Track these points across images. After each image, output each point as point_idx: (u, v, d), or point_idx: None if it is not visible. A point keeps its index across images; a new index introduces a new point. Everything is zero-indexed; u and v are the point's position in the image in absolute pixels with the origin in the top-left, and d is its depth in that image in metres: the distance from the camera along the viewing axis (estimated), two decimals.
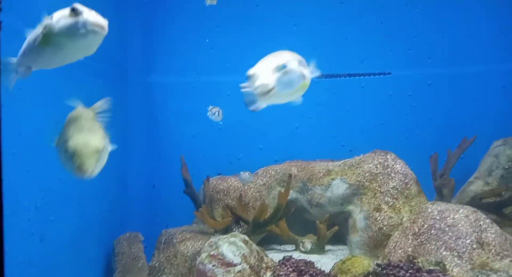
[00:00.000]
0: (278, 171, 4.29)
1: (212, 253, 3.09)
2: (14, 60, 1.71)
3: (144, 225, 4.31)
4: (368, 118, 4.53)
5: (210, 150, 4.56)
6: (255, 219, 3.57)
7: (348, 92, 4.53)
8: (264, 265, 3.24)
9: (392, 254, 3.35)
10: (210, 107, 3.90)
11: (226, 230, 3.81)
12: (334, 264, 3.38)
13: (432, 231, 3.20)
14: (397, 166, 3.90)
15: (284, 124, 4.59)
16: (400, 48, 4.42)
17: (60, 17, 1.47)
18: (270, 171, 4.31)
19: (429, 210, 3.36)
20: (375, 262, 3.17)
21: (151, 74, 4.59)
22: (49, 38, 1.49)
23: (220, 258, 3.06)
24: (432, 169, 3.99)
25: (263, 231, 3.80)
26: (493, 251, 3.00)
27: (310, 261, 3.26)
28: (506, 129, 4.16)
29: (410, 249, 3.26)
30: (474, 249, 3.00)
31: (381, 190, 3.84)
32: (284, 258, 3.23)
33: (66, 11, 1.47)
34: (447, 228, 3.15)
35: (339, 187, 4.02)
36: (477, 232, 3.08)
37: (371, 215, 3.77)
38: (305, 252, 3.96)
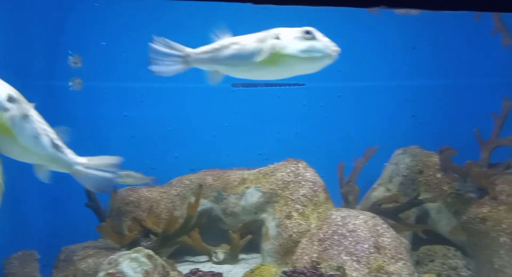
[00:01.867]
0: (193, 180, 4.21)
1: (110, 271, 2.90)
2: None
3: (43, 242, 3.94)
4: (284, 127, 4.65)
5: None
6: (164, 232, 3.44)
7: (264, 102, 4.61)
8: None
9: (299, 261, 3.43)
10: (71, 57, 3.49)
11: (133, 245, 3.61)
12: (244, 274, 3.39)
13: (335, 237, 3.35)
14: (307, 174, 4.04)
15: (201, 133, 4.52)
16: None
17: (291, 40, 1.43)
18: (184, 180, 4.21)
19: (333, 216, 3.52)
20: (282, 269, 3.23)
21: (54, 78, 4.24)
22: (276, 59, 1.46)
23: (119, 276, 2.89)
24: (339, 176, 4.20)
25: (173, 243, 3.67)
26: (388, 254, 3.22)
27: (218, 272, 3.23)
28: (407, 138, 4.54)
29: (315, 255, 3.38)
30: (372, 253, 3.20)
31: (292, 198, 3.94)
32: (190, 271, 3.15)
33: (296, 33, 1.44)
34: (348, 234, 3.32)
35: (253, 196, 4.05)
36: (375, 237, 3.29)
37: (282, 222, 3.84)
38: (218, 263, 3.91)
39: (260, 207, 4.03)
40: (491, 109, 4.06)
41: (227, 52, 1.85)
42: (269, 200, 4.02)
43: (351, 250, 3.22)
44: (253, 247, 4.15)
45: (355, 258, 3.17)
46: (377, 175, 4.48)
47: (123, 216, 3.96)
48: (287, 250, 3.76)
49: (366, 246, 3.22)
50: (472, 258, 3.70)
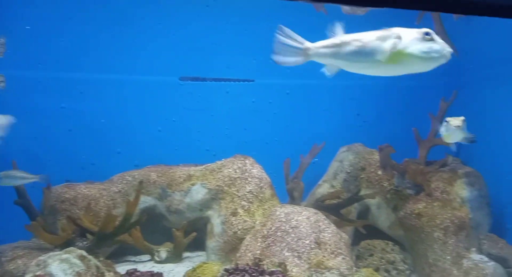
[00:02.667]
0: (136, 177, 4.04)
1: (38, 273, 2.71)
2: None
3: None
4: (232, 123, 4.60)
5: (57, 153, 4.06)
6: (100, 231, 3.27)
7: (213, 97, 4.53)
8: None
9: (242, 258, 3.41)
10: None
11: (68, 245, 3.40)
12: (185, 272, 3.31)
13: (278, 233, 3.36)
14: (254, 170, 4.02)
15: (146, 127, 4.36)
16: (262, 57, 4.59)
17: (412, 40, 1.63)
18: (126, 177, 4.03)
19: (277, 213, 3.52)
20: (224, 267, 3.18)
21: None
22: (397, 57, 1.63)
23: None
24: (285, 173, 4.22)
25: (112, 243, 3.51)
26: (328, 250, 3.27)
27: (158, 272, 3.12)
28: (352, 136, 4.65)
29: (258, 251, 3.36)
30: (312, 248, 3.24)
31: (239, 195, 3.91)
32: (127, 272, 3.02)
33: (416, 34, 1.62)
34: (290, 230, 3.34)
35: (198, 192, 3.97)
36: (316, 233, 3.34)
37: (227, 219, 3.80)
38: (160, 262, 3.80)
39: (205, 204, 3.96)
40: (430, 109, 4.26)
41: (348, 48, 1.91)
42: (215, 197, 3.96)
43: (293, 246, 3.24)
44: (198, 245, 4.08)
45: (296, 254, 3.19)
46: (324, 172, 4.56)
47: (58, 214, 3.72)
48: (231, 247, 3.72)
49: (307, 242, 3.26)
50: (409, 252, 3.87)
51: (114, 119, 4.23)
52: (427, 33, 1.75)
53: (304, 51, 2.01)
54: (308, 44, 1.99)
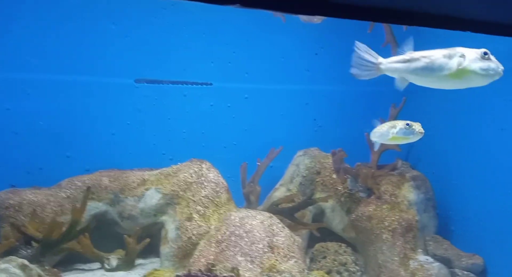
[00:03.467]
0: (87, 182, 3.89)
1: None
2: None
3: None
4: (190, 127, 4.55)
5: (1, 157, 3.84)
6: (45, 238, 3.12)
7: (170, 100, 4.46)
8: None
9: (196, 263, 3.37)
10: None
11: (10, 254, 3.22)
12: None
13: (232, 238, 3.35)
14: (210, 175, 3.99)
15: (98, 130, 4.21)
16: (221, 61, 4.59)
17: (473, 59, 1.90)
18: (76, 182, 3.87)
19: (232, 217, 3.52)
20: (176, 274, 3.13)
21: None
22: (461, 73, 1.91)
23: None
24: (242, 177, 4.23)
25: (58, 250, 3.36)
26: (281, 253, 3.31)
27: None
28: (308, 140, 4.74)
29: (212, 257, 3.35)
30: (265, 252, 3.26)
31: (194, 199, 3.87)
32: None
33: (476, 54, 1.90)
34: (244, 234, 3.35)
35: (152, 197, 3.89)
36: (270, 237, 3.37)
37: (182, 224, 3.74)
38: (110, 270, 3.68)
39: (160, 209, 3.88)
40: (382, 115, 4.42)
41: (418, 64, 2.14)
42: (170, 202, 3.89)
43: (246, 250, 3.25)
44: (152, 251, 3.99)
45: (249, 259, 3.20)
46: (280, 176, 4.61)
47: (1, 221, 3.51)
48: (186, 253, 3.67)
49: (260, 246, 3.28)
50: (361, 254, 3.99)
51: (64, 121, 4.06)
52: (485, 53, 1.99)
53: (377, 66, 2.20)
54: (381, 59, 2.20)
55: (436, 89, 4.53)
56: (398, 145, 4.29)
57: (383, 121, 4.36)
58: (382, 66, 2.17)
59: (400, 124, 2.91)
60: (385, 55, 3.79)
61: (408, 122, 2.88)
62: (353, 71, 2.23)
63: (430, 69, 2.08)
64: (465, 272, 3.38)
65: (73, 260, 3.80)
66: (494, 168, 3.64)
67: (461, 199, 3.84)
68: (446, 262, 3.49)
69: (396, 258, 3.51)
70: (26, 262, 2.80)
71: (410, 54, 2.18)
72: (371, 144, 4.35)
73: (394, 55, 4.44)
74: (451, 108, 4.31)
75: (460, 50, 2.05)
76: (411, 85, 4.93)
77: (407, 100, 4.34)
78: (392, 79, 5.00)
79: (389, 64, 2.19)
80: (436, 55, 2.09)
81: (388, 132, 2.89)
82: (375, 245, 3.71)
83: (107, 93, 4.22)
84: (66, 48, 4.04)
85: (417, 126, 2.84)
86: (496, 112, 3.74)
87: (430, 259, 3.44)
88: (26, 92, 3.92)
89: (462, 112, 4.19)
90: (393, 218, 3.64)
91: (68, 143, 4.08)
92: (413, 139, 2.87)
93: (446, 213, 3.94)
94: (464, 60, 1.98)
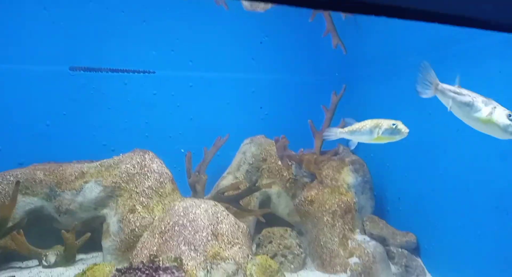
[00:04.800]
0: (19, 176, 3.67)
1: None
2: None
3: None
4: (132, 117, 4.41)
5: None
6: None
7: (109, 89, 4.29)
8: None
9: (139, 256, 3.31)
10: None
11: None
12: (74, 276, 3.11)
13: (176, 228, 3.32)
14: (153, 165, 3.91)
15: (31, 122, 3.97)
16: (163, 48, 4.47)
17: (501, 117, 2.26)
18: (8, 176, 3.63)
19: (176, 207, 3.49)
20: (116, 267, 3.06)
21: None
22: (488, 121, 2.31)
23: None
24: (187, 167, 4.19)
25: None
26: (225, 240, 3.33)
27: None
28: (255, 128, 4.78)
29: (155, 248, 3.30)
30: (209, 240, 3.27)
31: (137, 191, 3.78)
32: None
33: (504, 111, 2.27)
34: (188, 224, 3.33)
35: (92, 190, 3.74)
36: (214, 225, 3.37)
37: (125, 217, 3.65)
38: (49, 266, 3.52)
39: (101, 203, 3.75)
40: (324, 102, 4.55)
41: (463, 98, 2.43)
42: (112, 194, 3.77)
43: (190, 239, 3.24)
44: (95, 245, 3.86)
45: (192, 247, 3.20)
46: (227, 164, 4.62)
47: None
48: (128, 246, 3.59)
49: (204, 234, 3.28)
50: (305, 237, 4.13)
51: None
52: (510, 115, 2.32)
53: (434, 86, 2.47)
54: (438, 81, 2.48)
55: (372, 76, 4.70)
56: None
57: (325, 108, 4.50)
58: (438, 87, 2.46)
59: (385, 124, 2.82)
60: (328, 43, 3.85)
61: (393, 121, 2.87)
62: (418, 88, 2.54)
63: (469, 107, 2.42)
64: (400, 249, 3.61)
65: (9, 258, 3.60)
66: (425, 151, 3.88)
67: (396, 181, 4.08)
68: (381, 240, 3.71)
69: (336, 239, 3.67)
70: None
71: (460, 90, 2.52)
72: (314, 130, 4.48)
73: (334, 44, 4.55)
74: (387, 95, 4.52)
75: (495, 103, 2.43)
76: (350, 72, 5.10)
77: (346, 88, 4.49)
78: (334, 68, 5.12)
79: (444, 89, 2.49)
80: (478, 99, 2.46)
81: (372, 132, 2.85)
82: (317, 228, 3.85)
83: (40, 82, 3.97)
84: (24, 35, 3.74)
85: (402, 126, 2.85)
86: (425, 98, 3.97)
87: (367, 238, 3.63)
88: None
89: (396, 100, 4.42)
90: (333, 201, 3.79)
91: None
92: (397, 138, 2.87)
93: (382, 194, 4.17)
94: (494, 112, 2.32)
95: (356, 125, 3.03)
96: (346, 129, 2.98)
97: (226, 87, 4.78)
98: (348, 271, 3.40)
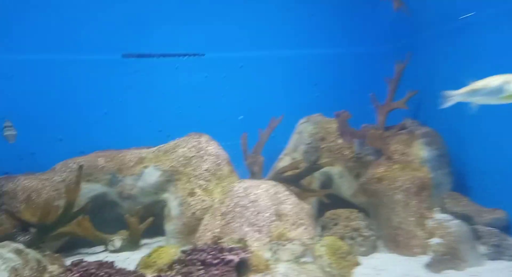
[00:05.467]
0: (82, 163, 3.73)
1: None
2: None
3: None
4: (185, 101, 4.34)
5: None
6: (40, 222, 2.97)
7: (162, 74, 4.25)
8: (47, 276, 2.71)
9: (202, 238, 3.22)
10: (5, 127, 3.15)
11: (6, 240, 3.09)
12: (141, 258, 3.09)
13: (237, 209, 3.19)
14: (210, 148, 3.82)
15: (89, 110, 4.02)
16: (212, 30, 4.34)
17: None
18: (70, 164, 3.72)
19: (236, 188, 3.35)
20: (181, 249, 2.99)
21: None
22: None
23: None
24: (243, 148, 4.04)
25: (57, 235, 3.22)
26: (289, 221, 3.14)
27: (107, 261, 2.87)
28: (310, 107, 4.52)
29: (218, 230, 3.19)
30: (273, 221, 3.09)
31: (195, 174, 3.70)
32: (72, 263, 2.76)
33: None
34: (249, 204, 3.18)
35: (151, 175, 3.72)
36: (276, 205, 3.19)
37: (185, 200, 3.59)
38: (115, 251, 3.55)
39: (160, 187, 3.72)
40: (385, 74, 4.18)
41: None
42: (170, 178, 3.73)
43: (253, 220, 3.09)
44: (157, 230, 3.85)
45: (256, 228, 3.04)
46: (284, 145, 4.41)
47: None
48: (191, 229, 3.52)
49: (267, 215, 3.11)
50: (373, 218, 3.82)
51: (53, 103, 3.87)
52: None
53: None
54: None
55: (440, 40, 4.23)
56: (405, 103, 4.06)
57: (388, 79, 4.13)
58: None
59: None
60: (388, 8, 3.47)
61: None
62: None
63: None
64: (487, 228, 3.19)
65: (76, 245, 3.68)
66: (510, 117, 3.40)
67: (477, 154, 3.62)
68: (466, 218, 3.30)
69: (411, 219, 3.33)
70: (21, 246, 2.66)
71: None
72: (377, 104, 4.13)
73: (395, 8, 4.12)
74: (458, 58, 4.03)
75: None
76: (415, 38, 4.64)
77: (412, 55, 4.08)
78: (395, 35, 4.69)
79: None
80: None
81: (503, 89, 2.52)
82: (388, 207, 3.53)
83: (95, 71, 4.02)
84: (49, 25, 3.82)
85: None
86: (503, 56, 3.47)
87: (449, 217, 3.25)
88: (10, 74, 3.72)
89: (473, 63, 3.93)
90: (405, 178, 3.44)
91: (59, 126, 3.91)
92: None
93: (462, 169, 3.73)
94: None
95: (478, 84, 2.69)
96: (464, 89, 2.70)
97: (278, 65, 4.56)
98: (429, 252, 3.06)
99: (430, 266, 2.99)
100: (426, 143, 3.58)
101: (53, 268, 2.72)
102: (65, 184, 3.59)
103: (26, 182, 3.51)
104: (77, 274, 2.57)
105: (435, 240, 3.12)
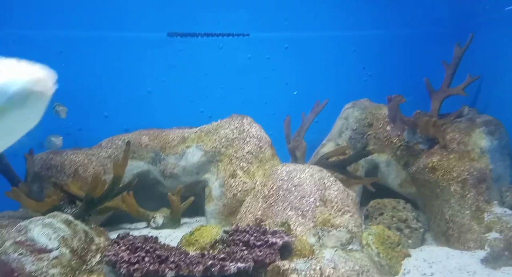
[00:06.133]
0: (127, 140, 3.77)
1: (19, 239, 2.49)
2: None
3: None
4: (228, 82, 4.27)
5: (41, 120, 3.78)
6: (87, 195, 3.02)
7: (206, 54, 4.19)
8: (94, 247, 2.76)
9: (243, 220, 3.17)
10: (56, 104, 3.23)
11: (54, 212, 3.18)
12: (183, 236, 3.08)
13: (280, 192, 3.10)
14: (252, 130, 3.73)
15: (134, 89, 4.05)
16: (257, 9, 4.21)
17: None
18: (116, 141, 3.76)
19: (279, 171, 3.25)
20: (223, 229, 2.95)
21: None
22: None
23: (30, 244, 2.48)
24: (286, 132, 3.93)
25: (103, 209, 3.28)
26: (335, 207, 3.01)
27: (152, 236, 2.88)
28: (357, 91, 4.32)
29: (259, 212, 3.12)
30: (317, 206, 2.98)
31: (237, 156, 3.64)
32: (118, 236, 2.79)
33: None
34: (293, 188, 3.08)
35: (194, 155, 3.70)
36: (321, 190, 3.07)
37: (226, 182, 3.55)
38: (156, 228, 3.57)
39: (202, 167, 3.70)
40: (443, 57, 3.89)
41: None
42: (212, 159, 3.69)
43: (296, 204, 2.98)
44: (197, 210, 3.85)
45: (300, 213, 2.94)
46: (327, 131, 4.25)
47: (44, 182, 3.48)
48: (231, 210, 3.48)
49: (311, 199, 3.00)
50: (422, 210, 3.62)
51: (99, 80, 3.92)
52: None
53: None
54: None
55: (507, 26, 3.89)
56: (463, 89, 3.77)
57: (446, 63, 3.84)
58: None
59: None
60: None
61: None
62: None
63: None
64: None
65: (118, 220, 3.75)
66: None
67: None
68: None
69: (467, 212, 3.10)
70: (70, 217, 2.72)
71: None
72: (431, 90, 3.87)
73: None
74: None
75: None
76: (477, 19, 4.27)
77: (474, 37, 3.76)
78: (454, 15, 4.32)
79: None
80: None
81: None
82: (440, 199, 3.31)
83: (140, 49, 4.02)
84: (97, 3, 3.84)
85: None
86: None
87: (509, 211, 3.00)
88: (59, 50, 3.79)
89: None
90: (462, 168, 3.21)
91: (105, 103, 3.96)
92: None
93: None
94: None
95: None
96: None
97: (324, 47, 4.37)
98: (486, 247, 2.85)
99: (487, 261, 2.78)
100: (488, 132, 3.31)
101: (100, 240, 2.76)
102: (112, 159, 3.65)
103: (73, 157, 3.59)
104: (124, 247, 2.59)
105: (492, 235, 2.90)
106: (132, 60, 3.97)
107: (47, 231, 2.55)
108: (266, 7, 4.25)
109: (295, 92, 3.90)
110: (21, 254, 2.44)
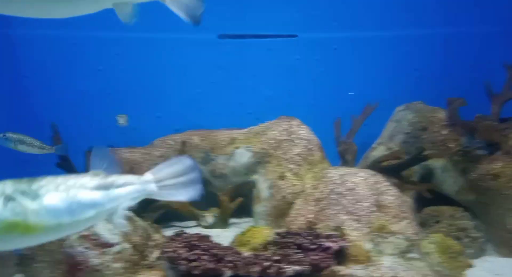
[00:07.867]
0: (178, 140, 3.85)
1: (84, 233, 2.60)
2: None
3: None
4: (276, 84, 4.26)
5: (96, 118, 3.94)
6: None
7: (254, 55, 4.20)
8: (152, 243, 2.83)
9: (294, 222, 3.15)
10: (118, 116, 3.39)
11: None
12: (234, 236, 3.10)
13: (332, 196, 3.05)
14: (301, 132, 3.71)
15: (184, 90, 4.13)
16: (305, 9, 4.18)
17: None
18: (168, 141, 3.85)
19: (330, 174, 3.21)
20: (275, 231, 2.94)
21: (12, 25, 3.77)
22: None
23: (94, 238, 2.59)
24: (336, 134, 3.87)
25: (156, 207, 3.37)
26: (391, 213, 2.93)
27: (205, 235, 2.93)
28: (409, 94, 4.17)
29: (311, 215, 3.09)
30: (373, 212, 2.91)
31: (286, 157, 3.62)
32: (175, 233, 2.86)
33: None
34: (346, 192, 3.02)
35: (242, 156, 3.72)
36: (376, 195, 2.99)
37: (275, 183, 3.54)
38: (206, 227, 3.64)
39: (251, 168, 3.71)
40: (503, 59, 3.69)
41: None
42: (261, 160, 3.69)
43: (350, 209, 2.93)
44: (244, 211, 3.87)
45: (354, 217, 2.88)
46: (377, 134, 4.14)
47: None
48: (280, 212, 3.46)
49: (366, 204, 2.93)
50: (482, 219, 3.43)
51: (152, 81, 4.03)
52: None
53: None
54: None
55: None
56: None
57: (509, 66, 3.64)
58: None
59: None
60: None
61: None
62: None
63: None
64: None
65: (168, 218, 3.83)
66: None
67: None
68: None
69: None
70: (130, 213, 2.81)
71: None
72: (491, 94, 3.68)
73: None
74: None
75: None
76: None
77: None
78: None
79: None
80: None
81: None
82: (503, 207, 3.14)
83: (191, 51, 4.09)
84: (150, 5, 3.95)
85: None
86: None
87: None
88: (115, 52, 3.94)
89: None
90: None
91: (157, 104, 4.07)
92: None
93: None
94: None
95: None
96: None
97: (375, 48, 4.26)
98: None
99: None
100: None
101: (157, 237, 2.84)
102: (163, 159, 3.73)
103: (128, 155, 3.72)
104: (181, 244, 2.65)
105: None
106: (183, 61, 4.06)
107: (110, 226, 2.65)
108: (315, 8, 4.21)
109: (352, 93, 3.83)
110: (86, 247, 2.55)
